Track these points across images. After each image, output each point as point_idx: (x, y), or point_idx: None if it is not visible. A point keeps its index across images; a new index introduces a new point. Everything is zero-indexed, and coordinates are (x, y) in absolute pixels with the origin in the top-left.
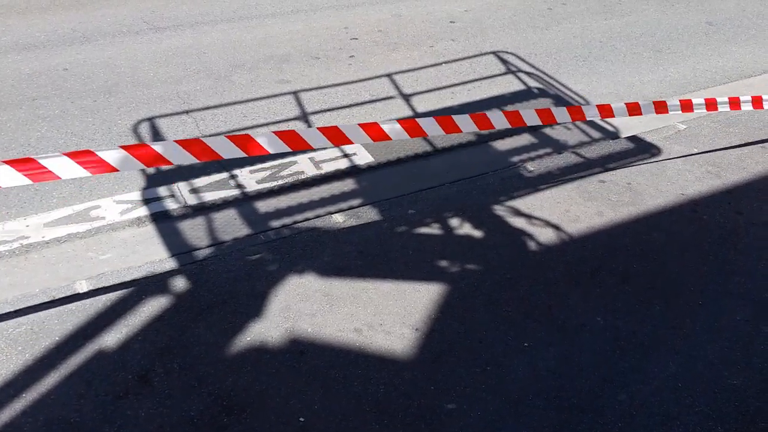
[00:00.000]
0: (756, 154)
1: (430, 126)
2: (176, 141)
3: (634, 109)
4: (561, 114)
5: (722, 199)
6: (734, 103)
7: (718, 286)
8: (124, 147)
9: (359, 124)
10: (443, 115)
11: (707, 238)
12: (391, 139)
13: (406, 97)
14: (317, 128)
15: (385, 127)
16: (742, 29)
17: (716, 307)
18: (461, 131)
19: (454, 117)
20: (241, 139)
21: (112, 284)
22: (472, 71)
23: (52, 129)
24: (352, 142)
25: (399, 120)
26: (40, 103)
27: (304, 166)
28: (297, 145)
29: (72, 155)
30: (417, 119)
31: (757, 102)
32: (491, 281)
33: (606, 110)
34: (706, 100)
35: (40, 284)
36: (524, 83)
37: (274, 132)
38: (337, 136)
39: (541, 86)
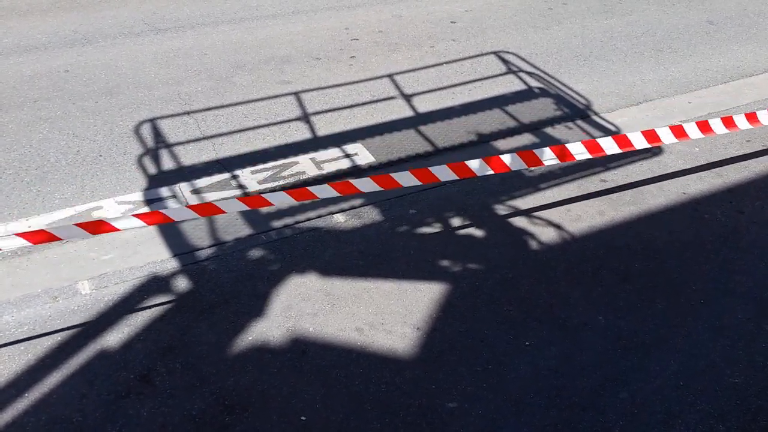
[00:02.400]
0: (757, 152)
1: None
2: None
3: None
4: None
5: (724, 197)
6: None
7: (719, 285)
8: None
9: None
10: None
11: (709, 237)
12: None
13: (407, 98)
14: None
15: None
16: (743, 28)
17: (718, 305)
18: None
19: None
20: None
21: (114, 284)
22: (473, 71)
23: (54, 130)
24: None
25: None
26: (41, 104)
27: (305, 166)
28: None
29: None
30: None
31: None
32: (492, 280)
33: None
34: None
35: (43, 284)
36: (525, 83)
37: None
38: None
39: (542, 86)
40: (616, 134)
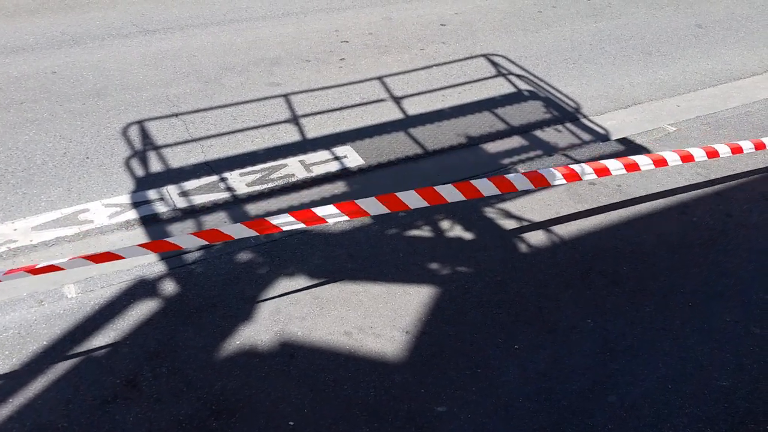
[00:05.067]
0: (745, 156)
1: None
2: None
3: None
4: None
5: (712, 201)
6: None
7: (707, 288)
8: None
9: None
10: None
11: (697, 240)
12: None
13: (397, 100)
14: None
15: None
16: (731, 32)
17: (706, 308)
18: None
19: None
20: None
21: (100, 288)
22: (463, 74)
23: (41, 132)
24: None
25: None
26: (28, 106)
27: (294, 168)
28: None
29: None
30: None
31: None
32: (481, 283)
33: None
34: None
35: (28, 288)
36: (515, 86)
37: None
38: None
39: (531, 89)
40: (605, 134)
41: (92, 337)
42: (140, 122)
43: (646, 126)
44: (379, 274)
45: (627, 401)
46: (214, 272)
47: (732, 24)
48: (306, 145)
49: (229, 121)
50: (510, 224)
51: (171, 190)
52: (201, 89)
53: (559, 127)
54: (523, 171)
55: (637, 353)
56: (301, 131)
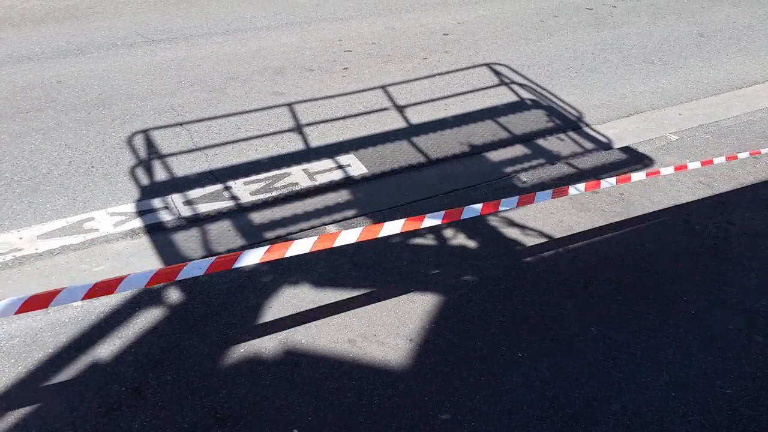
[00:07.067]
0: (747, 164)
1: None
2: None
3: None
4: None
5: (714, 209)
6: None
7: (710, 296)
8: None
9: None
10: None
11: (700, 248)
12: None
13: (400, 109)
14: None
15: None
16: (733, 41)
17: (709, 316)
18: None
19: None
20: None
21: (105, 296)
22: (466, 83)
23: (46, 141)
24: None
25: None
26: (34, 115)
27: (298, 177)
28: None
29: None
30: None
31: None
32: (485, 292)
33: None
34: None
35: None
36: (517, 95)
37: None
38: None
39: (534, 98)
40: (607, 143)
41: (97, 345)
42: (145, 131)
43: (649, 135)
44: (383, 282)
45: (630, 409)
46: (218, 280)
47: (734, 33)
48: (309, 154)
49: (233, 130)
50: (513, 232)
51: (175, 199)
52: (205, 98)
53: (562, 135)
54: (526, 179)
55: (640, 361)
56: (305, 140)
